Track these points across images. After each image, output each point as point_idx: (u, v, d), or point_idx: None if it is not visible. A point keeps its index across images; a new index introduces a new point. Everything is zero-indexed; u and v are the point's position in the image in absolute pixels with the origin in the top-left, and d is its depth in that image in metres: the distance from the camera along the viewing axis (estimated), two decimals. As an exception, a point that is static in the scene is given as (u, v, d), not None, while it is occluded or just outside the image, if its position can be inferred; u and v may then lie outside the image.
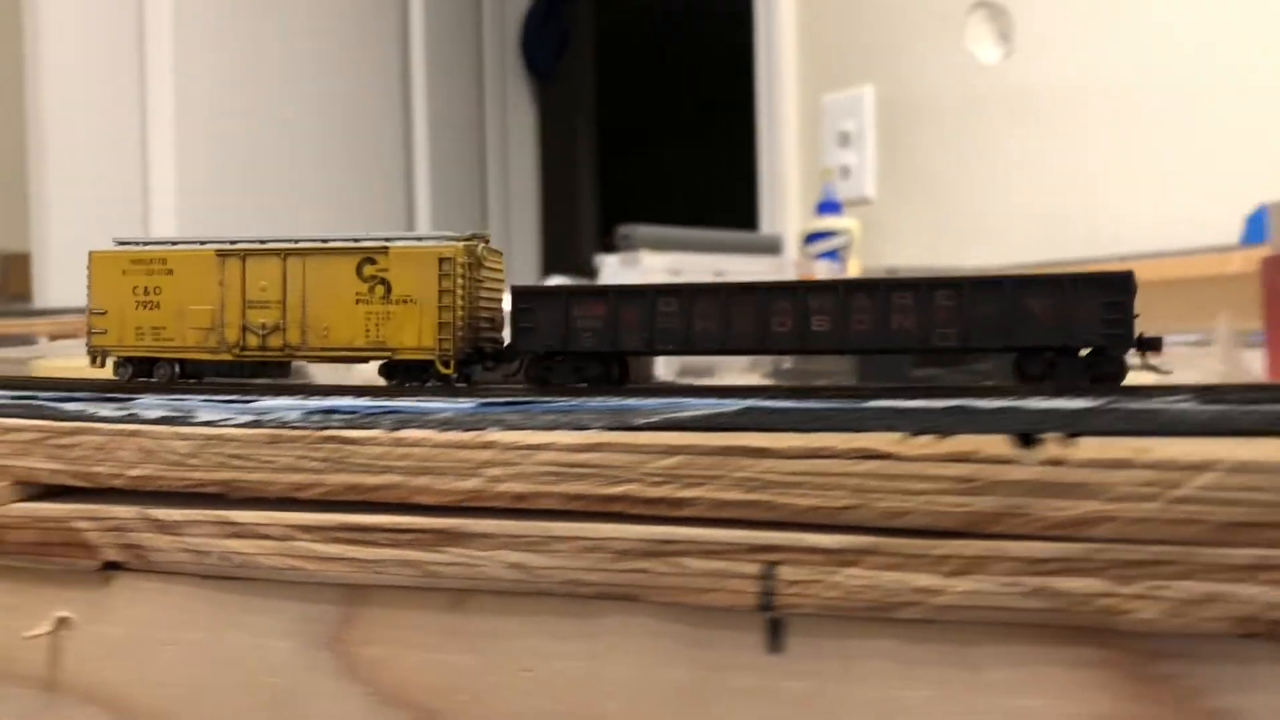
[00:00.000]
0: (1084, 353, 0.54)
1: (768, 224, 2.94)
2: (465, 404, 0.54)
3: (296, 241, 0.65)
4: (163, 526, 0.56)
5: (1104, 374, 0.53)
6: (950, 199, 2.61)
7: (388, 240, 0.63)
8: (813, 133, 2.88)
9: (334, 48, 3.09)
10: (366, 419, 0.54)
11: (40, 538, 0.58)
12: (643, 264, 1.88)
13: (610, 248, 1.93)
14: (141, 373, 0.69)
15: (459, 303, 0.62)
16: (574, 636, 0.50)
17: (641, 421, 0.50)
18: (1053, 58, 2.42)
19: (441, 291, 0.62)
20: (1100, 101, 2.33)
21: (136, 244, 0.68)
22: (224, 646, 0.56)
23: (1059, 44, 2.42)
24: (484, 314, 0.65)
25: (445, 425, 0.52)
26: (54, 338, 1.58)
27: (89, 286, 0.69)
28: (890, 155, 2.71)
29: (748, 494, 0.46)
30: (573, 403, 0.52)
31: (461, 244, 0.62)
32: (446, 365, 0.62)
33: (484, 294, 0.65)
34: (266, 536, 0.54)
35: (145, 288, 0.67)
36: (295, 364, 0.72)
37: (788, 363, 1.09)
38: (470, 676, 0.51)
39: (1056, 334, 0.52)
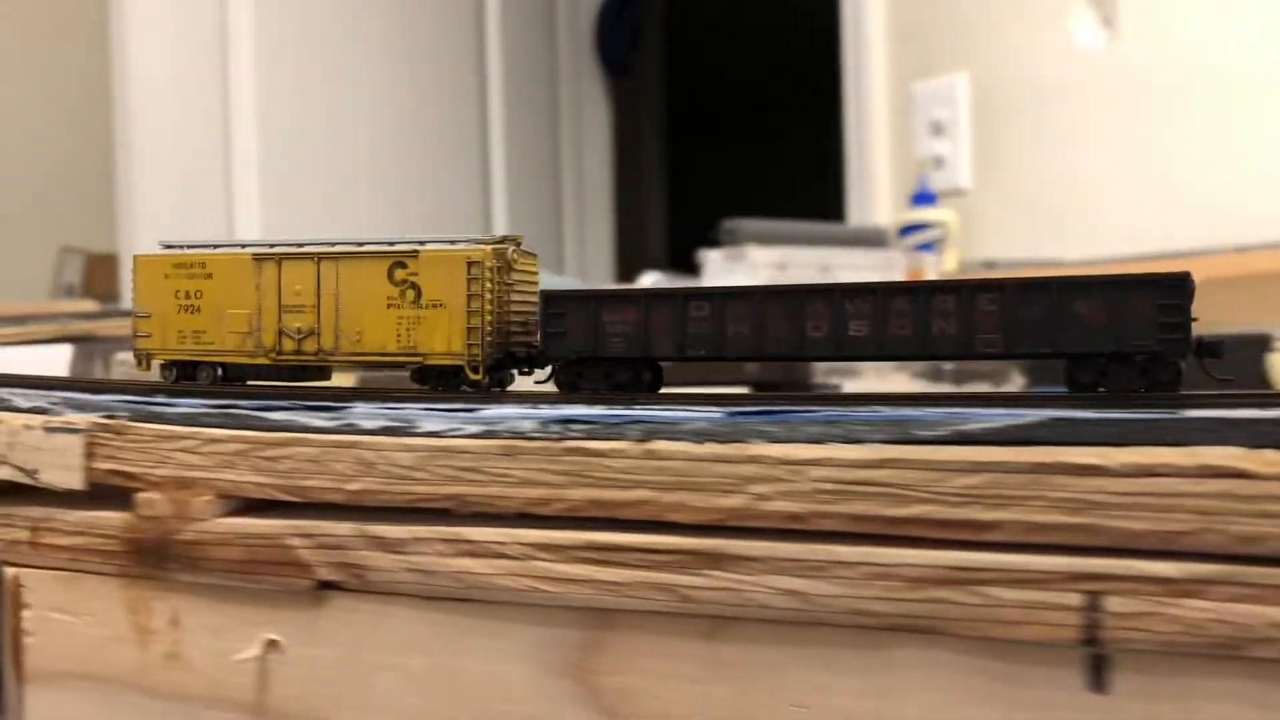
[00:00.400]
0: (1139, 358, 0.51)
1: (856, 216, 2.87)
2: (715, 413, 0.50)
3: (331, 245, 0.64)
4: (384, 544, 0.52)
5: (1160, 381, 0.50)
6: (1050, 189, 2.52)
7: (419, 244, 0.62)
8: (903, 122, 2.81)
9: (412, 46, 3.07)
10: (610, 429, 0.50)
11: (247, 555, 0.55)
12: (749, 259, 1.83)
13: (714, 243, 1.89)
14: (185, 375, 0.68)
15: (487, 307, 0.60)
16: (858, 671, 0.45)
17: (926, 434, 0.46)
18: (1159, 41, 2.33)
19: (470, 295, 0.60)
20: (1209, 87, 2.23)
21: (180, 247, 0.67)
22: (451, 672, 0.52)
23: (1166, 27, 2.33)
24: (516, 318, 0.63)
25: (700, 436, 0.48)
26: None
27: (134, 290, 0.68)
28: (986, 144, 2.63)
29: (1069, 516, 0.42)
30: (838, 412, 0.48)
31: (490, 247, 0.60)
32: (476, 371, 0.61)
33: (516, 298, 0.63)
34: (503, 555, 0.50)
35: (186, 291, 0.67)
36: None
37: (949, 364, 1.03)
38: (732, 711, 0.47)
39: (1107, 339, 0.49)
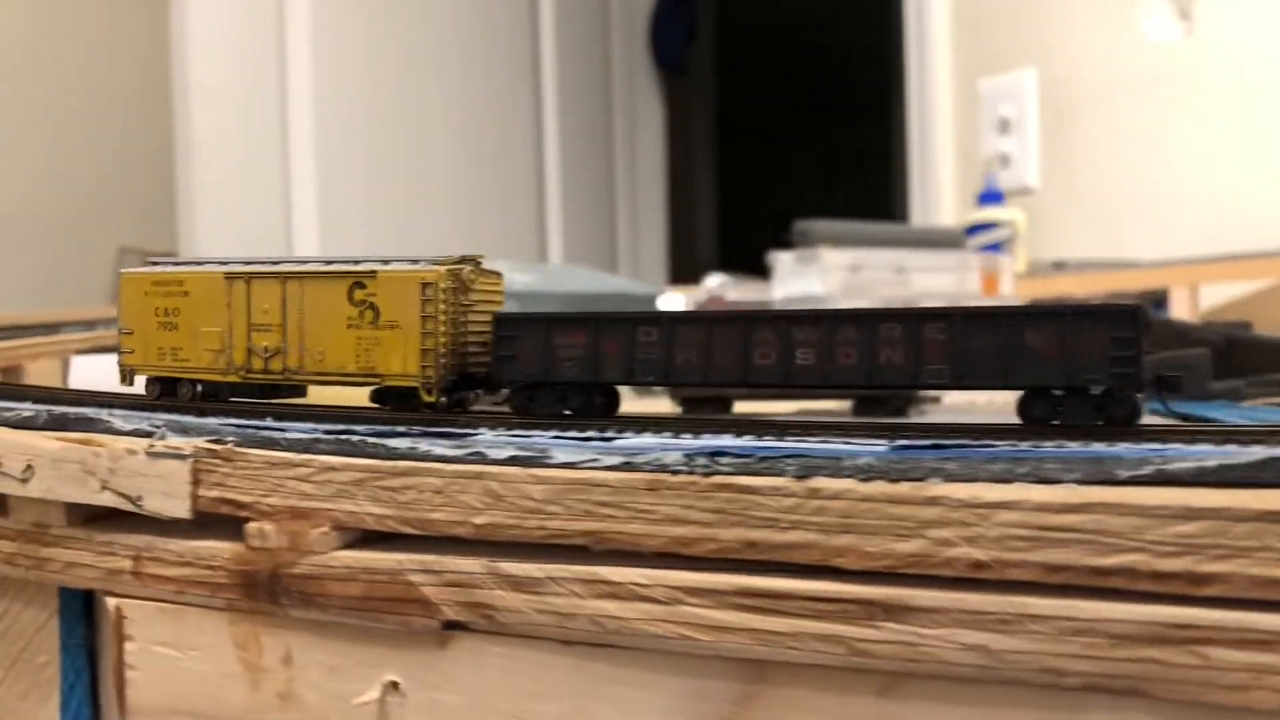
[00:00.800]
0: (1096, 392, 0.49)
1: (919, 216, 2.81)
2: (879, 446, 0.46)
3: (301, 263, 0.64)
4: (516, 583, 0.49)
5: (1116, 416, 0.48)
6: (1121, 188, 2.45)
7: (380, 263, 0.62)
8: (968, 119, 2.74)
9: (467, 45, 3.05)
10: (765, 463, 0.46)
11: (367, 591, 0.52)
12: (821, 261, 1.78)
13: (784, 244, 1.84)
14: (167, 391, 0.68)
15: (441, 328, 0.60)
16: (1053, 735, 0.41)
17: (1127, 474, 0.41)
18: (1238, 34, 2.26)
19: (424, 317, 0.60)
20: (1290, 81, 2.16)
21: (165, 264, 0.68)
22: (588, 722, 0.48)
23: (1245, 19, 2.25)
24: (474, 339, 0.62)
25: (866, 473, 0.44)
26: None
27: (119, 306, 0.69)
28: (1055, 142, 2.56)
29: (1305, 571, 0.37)
30: (1023, 448, 0.44)
31: (445, 268, 0.60)
32: (430, 393, 0.60)
33: (474, 319, 0.62)
34: (647, 599, 0.46)
35: (165, 309, 0.67)
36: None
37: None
38: (905, 774, 0.43)
39: (1058, 372, 0.48)
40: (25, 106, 2.87)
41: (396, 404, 0.62)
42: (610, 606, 0.47)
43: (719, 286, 2.07)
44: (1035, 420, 0.50)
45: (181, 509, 0.56)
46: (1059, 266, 2.28)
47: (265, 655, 0.55)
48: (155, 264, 0.69)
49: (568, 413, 0.58)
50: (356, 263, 0.62)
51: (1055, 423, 0.49)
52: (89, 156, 2.95)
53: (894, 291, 1.82)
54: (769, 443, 0.47)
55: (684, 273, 3.91)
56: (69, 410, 0.63)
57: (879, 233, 1.90)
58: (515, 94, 3.22)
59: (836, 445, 0.46)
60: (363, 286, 0.61)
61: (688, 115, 4.21)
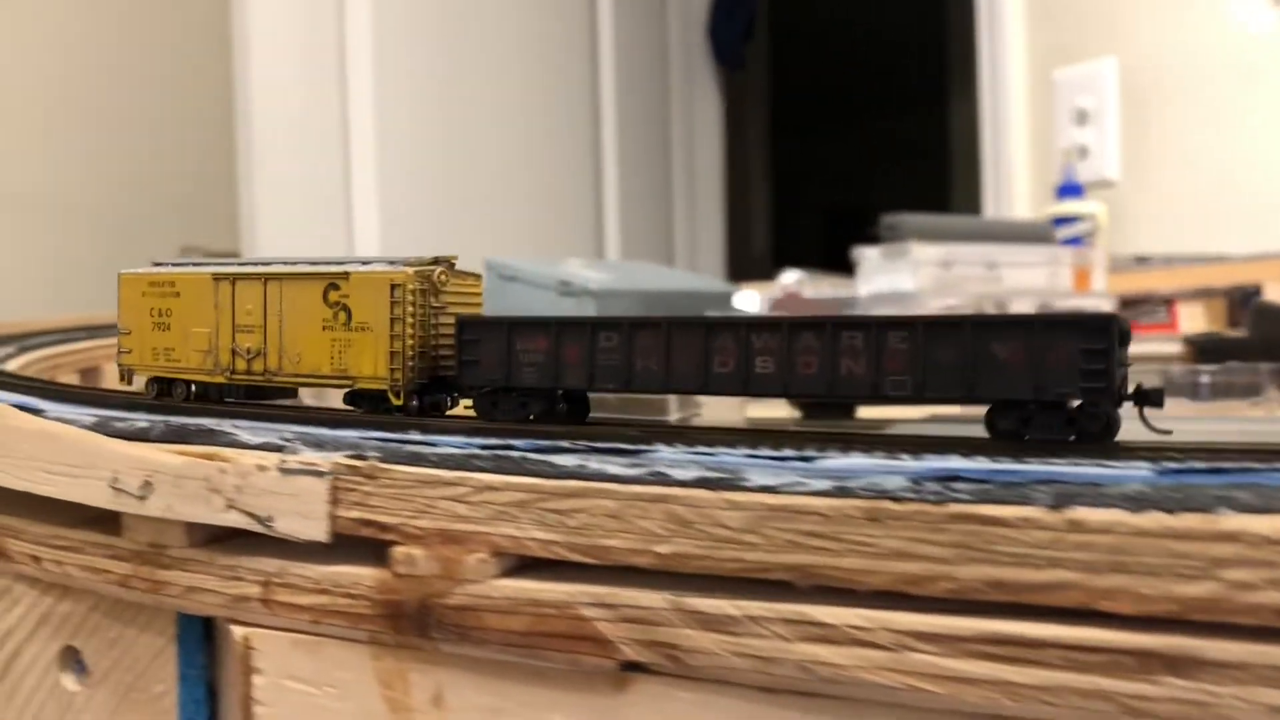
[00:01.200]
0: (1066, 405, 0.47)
1: (991, 209, 2.73)
2: (1142, 470, 0.39)
3: (287, 264, 0.64)
4: (707, 621, 0.43)
5: (1088, 432, 0.46)
6: (1207, 181, 2.35)
7: (353, 265, 0.62)
8: (1044, 111, 2.66)
9: (525, 43, 3.01)
10: (1009, 489, 0.40)
11: (532, 625, 0.46)
12: (911, 256, 1.71)
13: (870, 239, 1.77)
14: (163, 392, 0.69)
15: (409, 331, 0.59)
16: (1383, 818, 0.35)
17: None
18: (1335, 19, 2.16)
19: (392, 319, 0.59)
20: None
21: (167, 265, 0.69)
22: (793, 781, 0.43)
23: (1341, 4, 2.15)
24: (445, 343, 0.61)
25: (1137, 503, 0.38)
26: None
27: (118, 306, 0.70)
28: (1136, 134, 2.47)
29: None
30: (1323, 474, 0.37)
31: (414, 270, 0.59)
32: (398, 395, 0.60)
33: (446, 321, 0.61)
34: (867, 644, 0.40)
35: (159, 309, 0.68)
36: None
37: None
38: None
39: (1025, 385, 0.46)
40: (91, 106, 2.86)
41: (369, 407, 0.62)
42: (822, 651, 0.41)
43: (795, 283, 2.00)
44: (1002, 434, 0.48)
45: (318, 531, 0.51)
46: (1142, 261, 2.20)
47: (414, 694, 0.50)
48: (160, 265, 0.69)
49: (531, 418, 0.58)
50: (330, 264, 0.62)
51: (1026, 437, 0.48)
52: (153, 156, 2.94)
53: (985, 288, 1.75)
54: (1007, 465, 0.41)
55: (740, 269, 3.85)
56: (188, 421, 0.58)
57: (970, 227, 1.83)
58: (573, 91, 3.17)
59: (1091, 469, 0.40)
60: (337, 288, 0.61)
61: (744, 110, 4.14)
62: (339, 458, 0.51)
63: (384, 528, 0.50)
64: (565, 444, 0.48)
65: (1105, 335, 0.44)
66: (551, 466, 0.47)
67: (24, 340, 1.18)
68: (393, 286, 0.59)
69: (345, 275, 0.61)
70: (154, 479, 0.55)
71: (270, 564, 0.53)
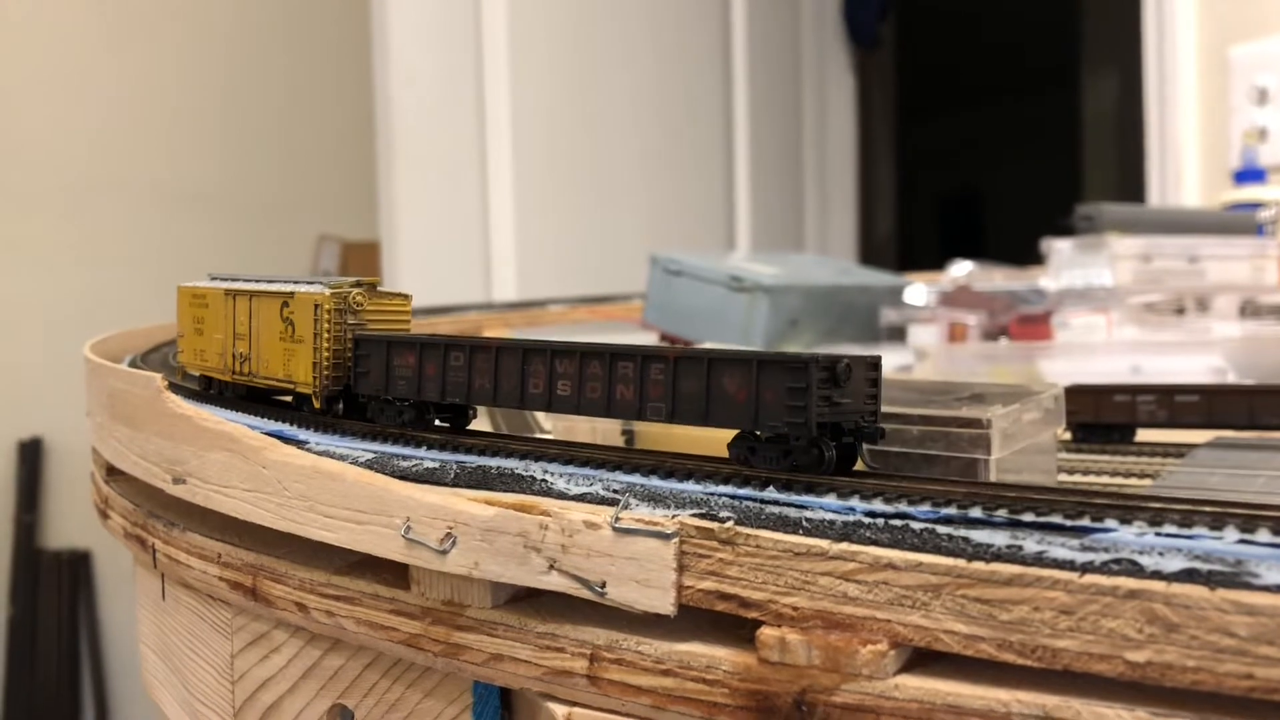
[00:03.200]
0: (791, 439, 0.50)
1: (1157, 195, 2.57)
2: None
3: (269, 283, 0.72)
4: (1203, 750, 0.34)
5: (802, 463, 0.49)
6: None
7: (300, 286, 0.68)
8: (1218, 90, 2.48)
9: (657, 32, 2.93)
10: None
11: (949, 737, 0.38)
12: (1109, 249, 1.58)
13: (1064, 230, 1.65)
14: (207, 386, 0.80)
15: (324, 344, 0.65)
16: None
17: None
18: None
19: (315, 335, 0.65)
20: None
21: (220, 280, 0.77)
22: None
23: None
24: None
25: None
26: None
27: (177, 315, 0.82)
28: (1325, 114, 2.29)
29: None
30: None
31: (330, 291, 0.66)
32: (317, 399, 0.66)
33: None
34: None
35: (198, 317, 0.79)
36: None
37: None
38: None
39: (746, 417, 0.49)
40: (236, 94, 2.87)
41: (307, 409, 0.68)
42: (1379, 802, 0.32)
43: (966, 276, 1.89)
44: (736, 461, 0.51)
45: (663, 602, 0.44)
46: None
47: (786, 803, 0.42)
48: (216, 279, 0.78)
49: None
50: (289, 283, 0.70)
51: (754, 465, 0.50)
52: (293, 145, 2.94)
53: (1188, 283, 1.62)
54: None
55: (866, 253, 3.72)
56: (487, 462, 0.51)
57: (1172, 218, 1.70)
58: (705, 74, 3.08)
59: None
60: (287, 305, 0.68)
61: (874, 92, 4.01)
62: (688, 518, 0.44)
63: (745, 603, 0.43)
64: (981, 515, 0.40)
65: (804, 375, 0.47)
66: (971, 545, 0.39)
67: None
68: (315, 305, 0.65)
69: (292, 295, 0.68)
70: (458, 531, 0.48)
71: (600, 636, 0.46)
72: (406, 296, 0.69)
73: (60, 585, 2.81)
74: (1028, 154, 4.93)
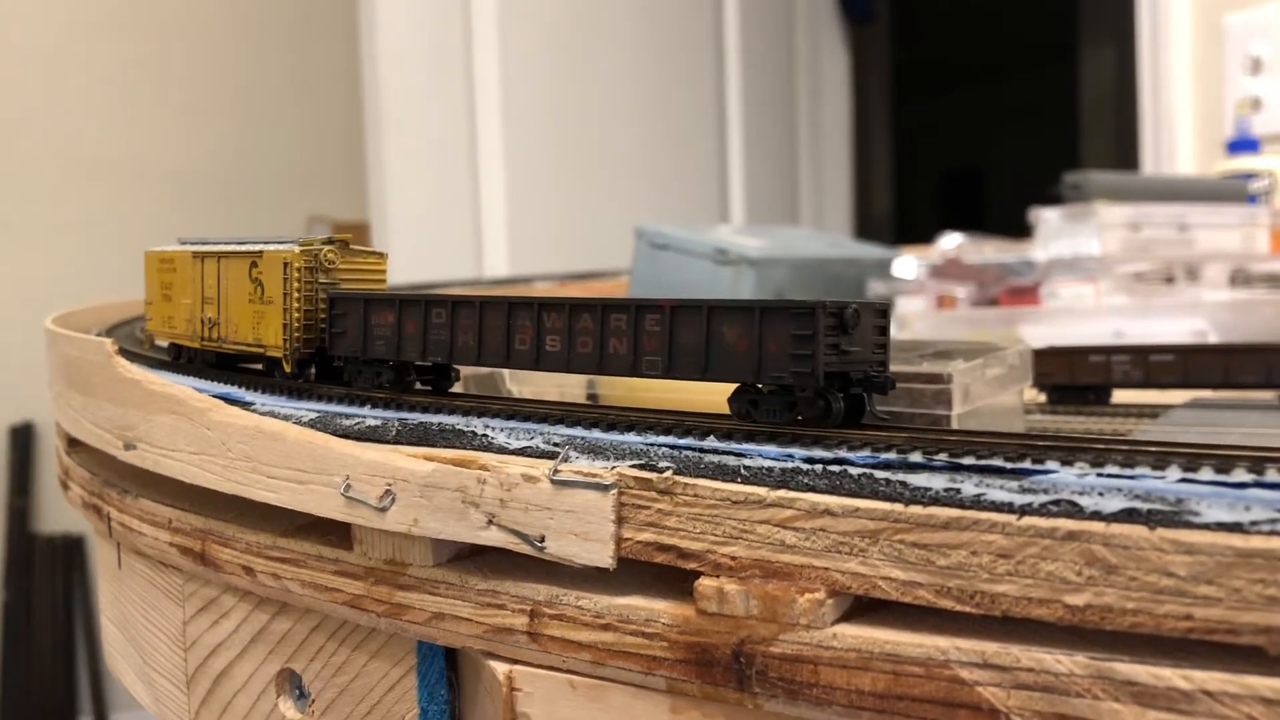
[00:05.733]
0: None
1: (1151, 165, 2.55)
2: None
3: (240, 244, 0.69)
4: (1142, 694, 0.33)
5: (808, 416, 0.47)
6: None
7: (269, 245, 0.65)
8: (1212, 60, 2.46)
9: (650, 3, 2.90)
10: None
11: (890, 686, 0.37)
12: (1097, 218, 1.57)
13: (1052, 199, 1.64)
14: (177, 355, 0.77)
15: (294, 304, 0.63)
16: None
17: None
18: None
19: (285, 295, 0.63)
20: None
21: (190, 244, 0.74)
22: None
23: None
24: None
25: None
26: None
27: (145, 280, 0.79)
28: (1320, 82, 2.27)
29: None
30: None
31: (299, 249, 0.63)
32: (288, 362, 0.63)
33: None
34: (1393, 740, 0.30)
35: (166, 283, 0.75)
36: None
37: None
38: None
39: (747, 368, 0.47)
40: (225, 75, 2.85)
41: (279, 374, 0.65)
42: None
43: (956, 249, 1.87)
44: (738, 416, 0.49)
45: (602, 555, 0.43)
46: (1325, 224, 2.01)
47: (725, 758, 0.41)
48: (186, 244, 0.75)
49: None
50: (258, 244, 0.67)
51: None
52: (283, 125, 2.92)
53: (1177, 252, 1.60)
54: None
55: (861, 230, 3.70)
56: (429, 419, 0.50)
57: (1162, 186, 1.68)
58: (697, 46, 3.06)
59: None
60: (256, 265, 0.65)
61: (868, 68, 3.98)
62: (626, 469, 0.43)
63: (685, 554, 0.42)
64: (919, 459, 0.39)
65: (810, 321, 0.45)
66: (909, 489, 0.38)
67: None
68: (285, 264, 0.62)
69: (260, 254, 0.65)
70: (397, 488, 0.47)
71: (539, 591, 0.45)
72: (381, 255, 0.67)
73: (54, 569, 2.81)
74: (1027, 130, 4.90)
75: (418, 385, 0.62)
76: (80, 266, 2.75)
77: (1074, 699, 0.34)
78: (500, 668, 0.46)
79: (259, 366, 0.70)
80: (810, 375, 0.45)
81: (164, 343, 0.78)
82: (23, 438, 2.83)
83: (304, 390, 0.60)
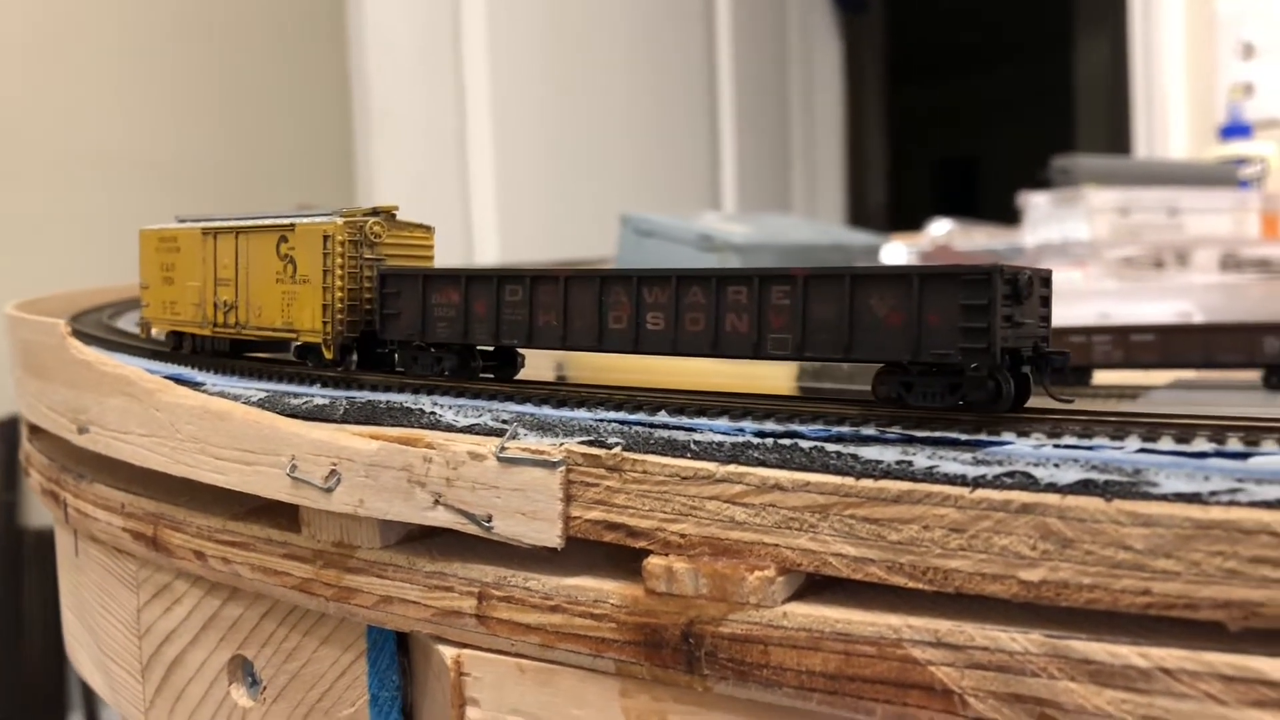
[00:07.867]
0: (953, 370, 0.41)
1: (1144, 151, 2.53)
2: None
3: (258, 218, 0.62)
4: (1099, 673, 0.32)
5: (975, 399, 0.40)
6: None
7: (300, 217, 0.59)
8: (1205, 45, 2.44)
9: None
10: None
11: (841, 667, 0.36)
12: (1086, 202, 1.56)
13: (1041, 184, 1.62)
14: (178, 344, 0.70)
15: (338, 283, 0.57)
16: None
17: None
18: None
19: (325, 271, 0.57)
20: None
21: (187, 222, 0.67)
22: None
23: None
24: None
25: None
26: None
27: (140, 262, 0.71)
28: (1312, 67, 2.25)
29: None
30: None
31: (343, 221, 0.57)
32: (329, 349, 0.57)
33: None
34: (1356, 717, 0.29)
35: (167, 264, 0.68)
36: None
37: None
38: None
39: (901, 345, 0.41)
40: (214, 65, 2.83)
41: (315, 361, 0.59)
42: (1278, 721, 0.30)
43: (945, 235, 1.86)
44: (884, 400, 0.43)
45: (550, 534, 0.41)
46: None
47: (675, 742, 0.40)
48: (184, 221, 0.68)
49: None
50: (287, 216, 0.60)
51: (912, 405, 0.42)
52: (271, 115, 2.91)
53: (1167, 236, 1.59)
54: None
55: (856, 219, 3.69)
56: (376, 397, 0.49)
57: (1151, 170, 1.67)
58: (688, 35, 3.04)
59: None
60: (286, 240, 0.59)
61: (862, 57, 3.96)
62: (574, 445, 0.42)
63: (633, 533, 0.40)
64: (873, 432, 0.38)
65: (987, 289, 0.38)
66: (860, 462, 0.37)
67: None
68: (325, 238, 0.56)
69: (291, 227, 0.59)
70: (342, 467, 0.46)
71: (487, 573, 0.43)
72: (429, 228, 0.61)
73: (44, 565, 2.80)
74: (1024, 117, 4.88)
75: (480, 375, 0.56)
76: (65, 261, 2.73)
77: (1029, 678, 0.33)
78: (449, 652, 0.45)
79: (275, 354, 0.65)
80: (985, 351, 0.39)
81: (162, 333, 0.71)
82: (9, 432, 2.81)
83: (255, 371, 0.59)
